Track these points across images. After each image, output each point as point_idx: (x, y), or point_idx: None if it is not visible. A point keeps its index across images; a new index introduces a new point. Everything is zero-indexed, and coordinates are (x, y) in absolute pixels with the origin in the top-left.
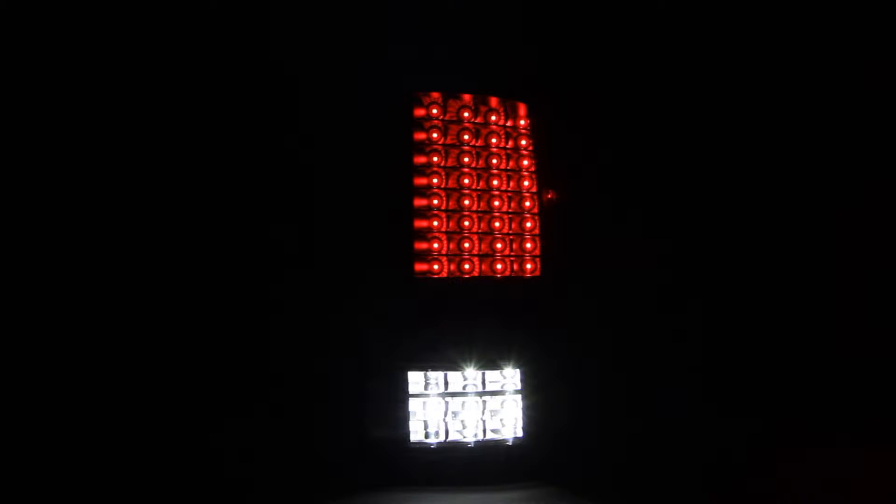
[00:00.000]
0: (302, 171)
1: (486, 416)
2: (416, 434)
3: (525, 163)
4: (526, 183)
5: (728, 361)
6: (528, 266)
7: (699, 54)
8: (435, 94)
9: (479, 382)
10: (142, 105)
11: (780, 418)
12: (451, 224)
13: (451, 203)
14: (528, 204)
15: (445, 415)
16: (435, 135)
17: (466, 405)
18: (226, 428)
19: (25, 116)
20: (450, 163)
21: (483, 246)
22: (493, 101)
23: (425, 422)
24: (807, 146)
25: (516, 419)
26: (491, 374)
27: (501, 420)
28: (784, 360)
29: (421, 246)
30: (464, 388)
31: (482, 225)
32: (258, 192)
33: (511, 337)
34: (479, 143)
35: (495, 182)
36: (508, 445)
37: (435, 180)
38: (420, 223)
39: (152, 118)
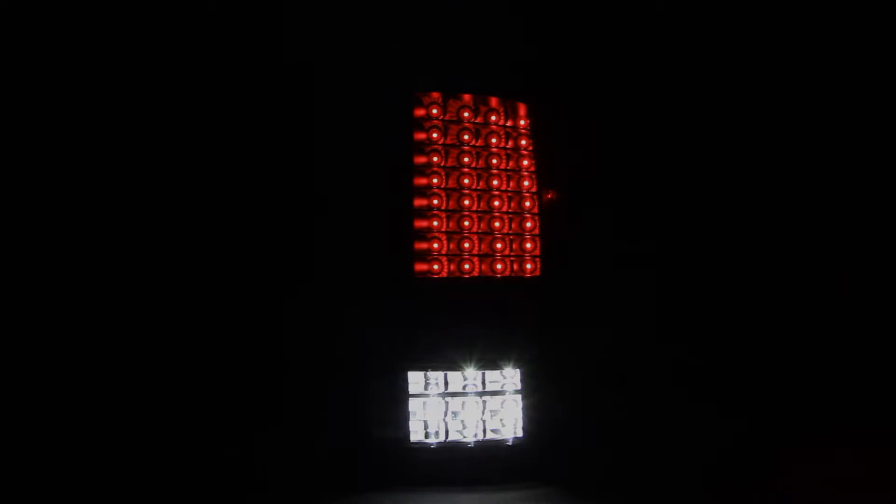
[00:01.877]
0: (302, 172)
1: (486, 416)
2: (416, 434)
3: (525, 163)
4: (526, 183)
5: (728, 361)
6: (528, 266)
7: (699, 54)
8: (435, 94)
9: (479, 382)
10: (141, 107)
11: (781, 418)
12: (451, 224)
13: (451, 203)
14: (528, 204)
15: (445, 415)
16: (435, 135)
17: (466, 405)
18: (226, 428)
19: (30, 117)
20: (450, 163)
21: (483, 246)
22: (493, 101)
23: (425, 422)
24: (808, 146)
25: (516, 419)
26: (491, 374)
27: (501, 420)
28: (784, 360)
29: (421, 246)
30: (464, 388)
31: (482, 225)
32: (258, 192)
33: (511, 337)
34: (479, 143)
35: (495, 182)
36: (508, 445)
37: (435, 180)
38: (420, 223)
39: (153, 120)
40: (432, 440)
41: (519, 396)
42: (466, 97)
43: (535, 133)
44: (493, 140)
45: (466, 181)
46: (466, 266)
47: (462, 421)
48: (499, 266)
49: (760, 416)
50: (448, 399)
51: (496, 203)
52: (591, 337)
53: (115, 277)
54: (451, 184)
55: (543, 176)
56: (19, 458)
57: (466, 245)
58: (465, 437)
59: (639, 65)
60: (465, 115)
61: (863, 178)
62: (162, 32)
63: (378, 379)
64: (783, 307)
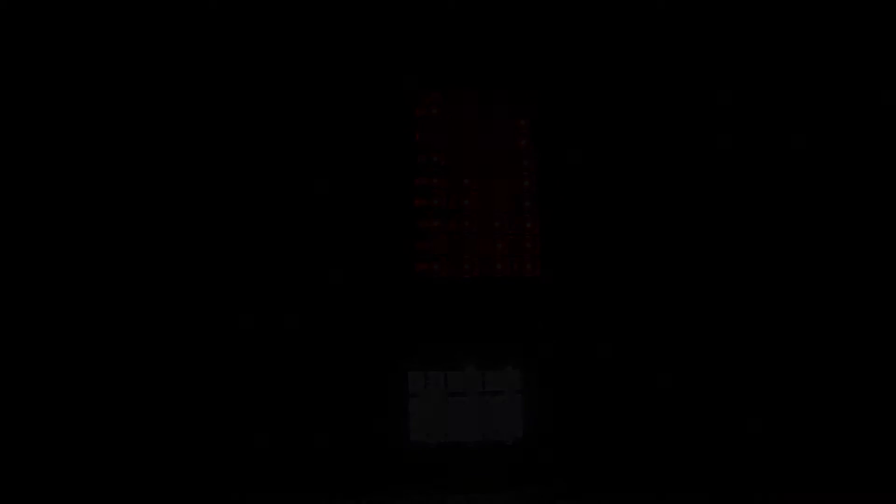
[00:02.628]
0: (302, 172)
1: (486, 416)
2: (416, 434)
3: (525, 163)
4: (526, 183)
5: (729, 361)
6: (528, 266)
7: (699, 54)
8: (435, 94)
9: (479, 382)
10: (142, 107)
11: (781, 419)
12: (451, 224)
13: (451, 203)
14: (528, 204)
15: (445, 415)
16: (435, 135)
17: (466, 405)
18: (227, 429)
19: (29, 117)
20: (450, 163)
21: (483, 246)
22: (494, 101)
23: (425, 422)
24: (808, 146)
25: (516, 419)
26: (491, 374)
27: (501, 420)
28: (785, 362)
29: (421, 246)
30: (464, 388)
31: (482, 225)
32: (258, 192)
33: (511, 336)
34: (480, 142)
35: (495, 182)
36: (508, 445)
37: (435, 180)
38: (420, 223)
39: (155, 121)
40: (432, 440)
41: (519, 396)
42: (467, 97)
43: (535, 133)
44: (494, 140)
45: (466, 181)
46: (466, 266)
47: (462, 421)
48: (499, 266)
49: (761, 416)
50: (448, 399)
51: (496, 203)
52: (591, 336)
53: (117, 278)
54: (452, 184)
55: (543, 176)
56: (21, 459)
57: (466, 245)
58: (465, 437)
59: (639, 65)
60: (466, 114)
61: (863, 178)
62: (162, 33)
63: (378, 379)
64: (783, 307)
